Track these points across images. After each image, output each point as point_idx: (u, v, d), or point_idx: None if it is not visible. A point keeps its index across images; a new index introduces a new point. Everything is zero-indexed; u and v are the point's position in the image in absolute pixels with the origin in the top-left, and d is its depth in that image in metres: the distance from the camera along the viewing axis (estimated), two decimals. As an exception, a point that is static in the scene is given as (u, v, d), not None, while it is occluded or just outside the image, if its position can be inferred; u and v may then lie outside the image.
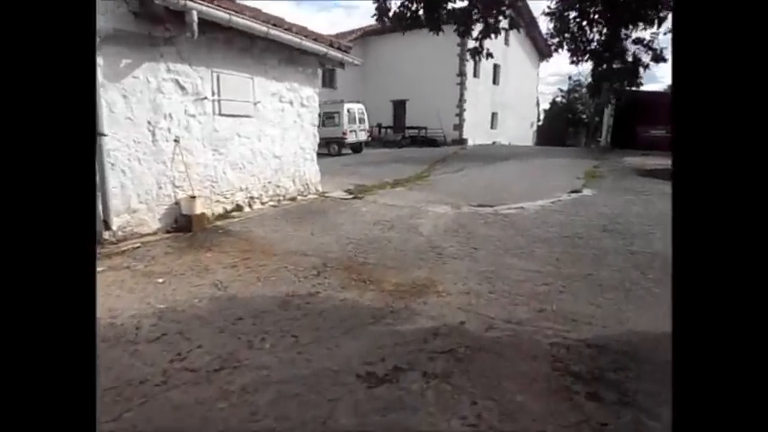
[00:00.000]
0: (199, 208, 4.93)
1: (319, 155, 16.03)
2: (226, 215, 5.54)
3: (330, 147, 14.68)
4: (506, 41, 22.44)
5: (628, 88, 13.31)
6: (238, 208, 5.79)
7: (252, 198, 6.04)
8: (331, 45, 6.68)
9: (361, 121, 15.04)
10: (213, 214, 5.38)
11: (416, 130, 19.21)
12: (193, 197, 4.91)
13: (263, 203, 6.24)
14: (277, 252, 4.25)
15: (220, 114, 5.34)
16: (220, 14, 4.62)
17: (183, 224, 4.85)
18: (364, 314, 2.90)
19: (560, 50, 4.35)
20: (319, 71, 7.22)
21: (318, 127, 15.11)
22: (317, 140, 7.43)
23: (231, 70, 5.43)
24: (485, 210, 6.56)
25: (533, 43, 24.91)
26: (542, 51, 25.95)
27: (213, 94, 5.21)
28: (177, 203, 4.87)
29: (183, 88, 4.84)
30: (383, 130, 20.22)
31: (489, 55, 4.21)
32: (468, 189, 8.53)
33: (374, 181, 9.46)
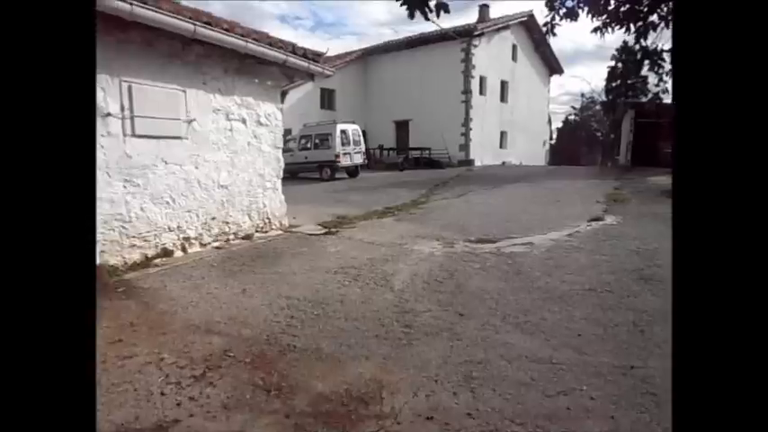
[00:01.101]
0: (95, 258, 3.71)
1: (311, 180, 15.02)
2: (145, 263, 4.32)
3: (323, 171, 13.54)
4: (514, 57, 21.40)
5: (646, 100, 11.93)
6: (166, 253, 4.57)
7: (187, 239, 4.82)
8: (293, 52, 5.55)
9: (357, 142, 13.89)
10: (126, 263, 4.16)
11: (419, 152, 18.00)
12: (87, 244, 3.70)
13: (203, 245, 5.01)
14: (172, 327, 2.97)
15: (134, 135, 4.18)
16: (117, 3, 3.50)
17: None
18: (226, 486, 1.58)
19: (575, 17, 2.90)
20: (287, 85, 6.08)
21: (309, 149, 14.14)
22: (282, 165, 6.25)
23: (152, 80, 4.30)
24: (484, 247, 5.22)
25: (542, 58, 23.81)
26: (552, 67, 24.84)
27: (123, 109, 4.07)
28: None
29: (73, 102, 3.71)
30: (384, 152, 19.10)
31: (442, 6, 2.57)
32: (468, 218, 7.21)
33: (360, 210, 8.22)
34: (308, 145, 13.79)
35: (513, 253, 4.94)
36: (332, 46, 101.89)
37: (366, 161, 14.38)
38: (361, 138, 14.22)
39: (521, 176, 13.65)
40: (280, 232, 6.01)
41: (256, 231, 5.78)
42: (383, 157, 18.79)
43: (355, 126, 14.11)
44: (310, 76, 6.18)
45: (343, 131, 13.43)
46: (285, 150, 15.16)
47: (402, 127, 20.45)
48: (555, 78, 26.03)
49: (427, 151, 17.88)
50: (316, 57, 6.01)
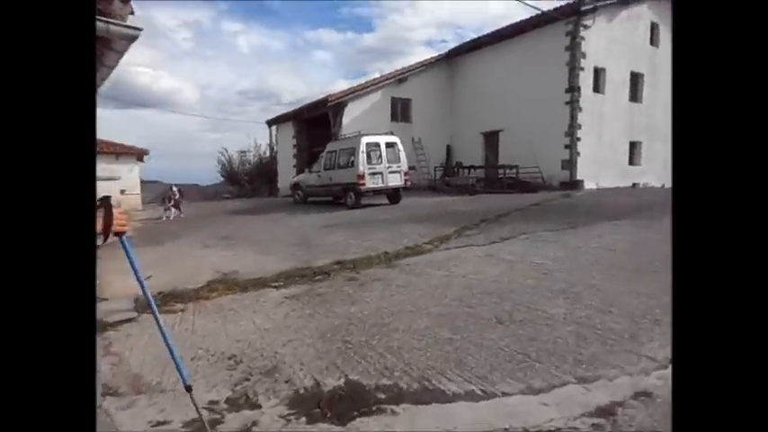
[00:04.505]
0: None
1: (332, 204, 12.03)
2: None
3: (347, 196, 10.63)
4: (653, 40, 15.63)
5: None
6: None
7: None
8: None
9: (394, 159, 10.60)
10: None
11: (501, 171, 13.77)
12: None
13: None
14: None
15: None
16: None
17: None
18: None
19: None
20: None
21: (334, 169, 11.38)
22: None
23: None
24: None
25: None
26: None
27: None
28: None
29: None
30: (462, 171, 15.32)
31: None
32: (423, 310, 3.58)
33: (290, 264, 5.13)
34: (333, 164, 11.06)
35: None
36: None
37: (408, 183, 10.95)
38: (402, 153, 10.89)
39: (638, 208, 8.72)
40: None
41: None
42: (456, 177, 15.03)
43: (392, 138, 10.87)
44: (98, 40, 3.43)
45: (372, 145, 10.33)
46: (312, 171, 12.85)
47: (491, 139, 16.37)
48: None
49: (513, 170, 13.55)
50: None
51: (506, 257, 5.30)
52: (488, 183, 14.20)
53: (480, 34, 16.75)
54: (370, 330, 3.10)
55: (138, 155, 16.07)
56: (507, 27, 15.15)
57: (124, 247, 1.51)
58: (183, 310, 3.61)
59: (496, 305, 3.53)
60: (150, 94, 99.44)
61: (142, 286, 1.67)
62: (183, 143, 67.80)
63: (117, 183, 13.53)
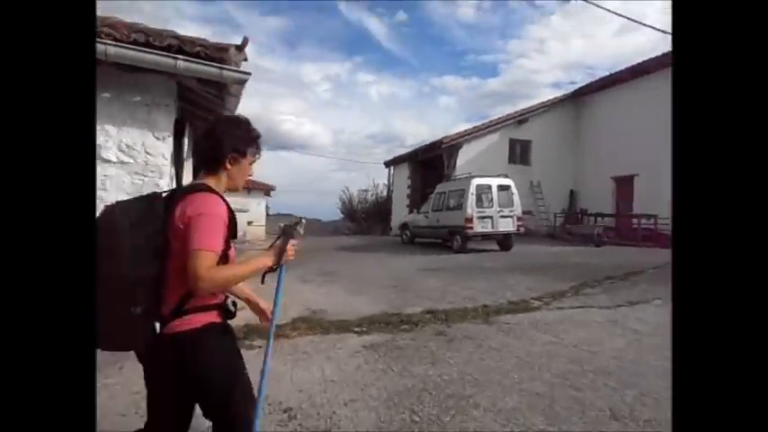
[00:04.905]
0: None
1: (439, 246, 11.39)
2: None
3: (454, 239, 10.13)
4: None
5: None
6: None
7: None
8: (148, 44, 3.32)
9: (506, 203, 9.84)
10: None
11: (636, 220, 11.91)
12: None
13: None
14: None
15: None
16: None
17: None
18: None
19: None
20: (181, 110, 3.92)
21: (442, 211, 10.99)
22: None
23: None
24: None
25: None
26: None
27: None
28: None
29: None
30: (588, 219, 13.72)
31: None
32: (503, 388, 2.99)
33: (379, 307, 4.90)
34: (442, 205, 10.71)
35: None
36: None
37: (521, 229, 10.04)
38: (516, 197, 10.10)
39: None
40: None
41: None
42: (579, 225, 13.47)
43: (506, 180, 10.16)
44: (214, 85, 3.75)
45: (483, 188, 9.77)
46: (421, 212, 12.58)
47: (624, 185, 14.51)
48: None
49: (651, 220, 11.65)
50: (213, 51, 3.58)
51: (634, 327, 4.33)
52: (619, 233, 12.47)
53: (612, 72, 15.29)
54: (446, 402, 2.62)
55: (266, 190, 17.82)
56: (645, 62, 13.61)
57: (279, 274, 1.53)
58: (261, 347, 3.56)
59: (614, 392, 2.77)
60: (292, 139, 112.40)
61: (272, 319, 1.62)
62: (313, 181, 74.61)
63: (246, 215, 15.10)
